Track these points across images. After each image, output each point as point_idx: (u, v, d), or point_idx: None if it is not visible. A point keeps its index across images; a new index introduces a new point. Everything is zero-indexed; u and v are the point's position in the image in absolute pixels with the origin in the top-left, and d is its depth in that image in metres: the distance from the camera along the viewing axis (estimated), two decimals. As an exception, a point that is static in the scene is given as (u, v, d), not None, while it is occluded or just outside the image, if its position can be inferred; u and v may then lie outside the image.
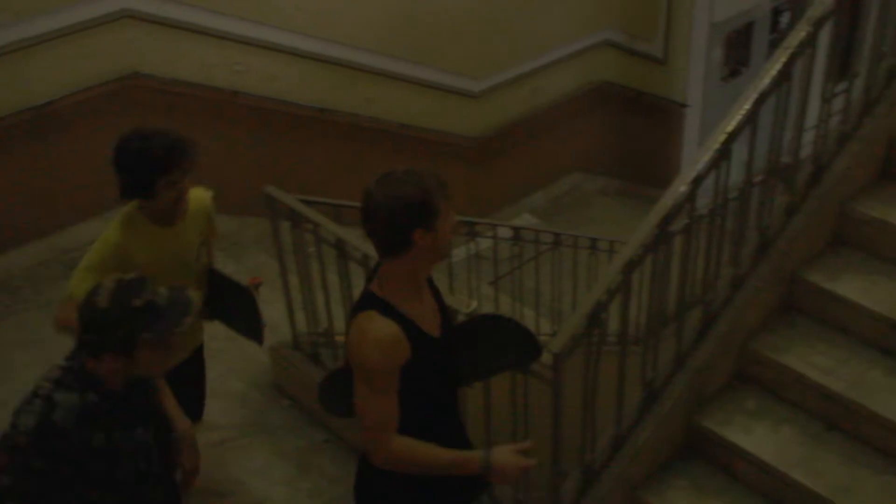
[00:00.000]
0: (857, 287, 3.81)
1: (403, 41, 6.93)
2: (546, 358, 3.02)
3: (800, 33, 3.53)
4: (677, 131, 8.47)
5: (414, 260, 2.49)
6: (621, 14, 8.29)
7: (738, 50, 8.89)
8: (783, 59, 3.49)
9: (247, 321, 3.63)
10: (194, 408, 3.67)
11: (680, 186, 3.35)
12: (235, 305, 3.56)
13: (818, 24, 3.54)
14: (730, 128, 3.41)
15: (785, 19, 9.15)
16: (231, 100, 6.15)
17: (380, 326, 2.46)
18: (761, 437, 3.67)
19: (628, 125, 8.65)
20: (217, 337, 3.94)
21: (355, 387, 2.55)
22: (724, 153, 3.41)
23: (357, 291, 2.91)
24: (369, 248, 3.24)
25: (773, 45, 8.27)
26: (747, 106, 3.43)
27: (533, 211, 8.35)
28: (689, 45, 8.30)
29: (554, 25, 7.86)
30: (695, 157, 3.44)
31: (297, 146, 6.56)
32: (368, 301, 2.54)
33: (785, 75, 3.51)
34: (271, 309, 4.19)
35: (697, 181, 3.36)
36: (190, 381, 3.64)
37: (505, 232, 5.87)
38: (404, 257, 2.47)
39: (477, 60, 7.50)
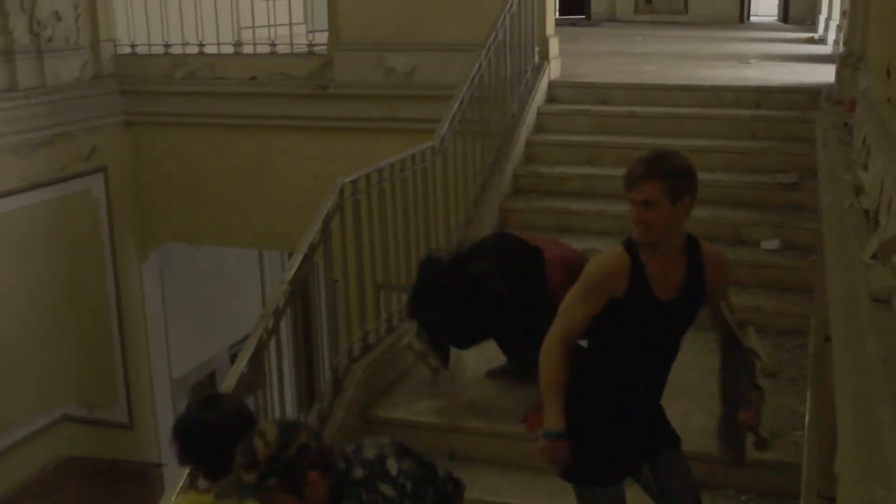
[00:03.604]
0: None
1: None
2: None
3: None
4: (158, 491, 8.24)
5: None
6: (77, 386, 8.09)
7: (204, 400, 9.12)
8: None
9: None
10: None
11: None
12: None
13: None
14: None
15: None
16: None
17: (613, 254, 2.93)
18: None
19: (106, 496, 8.24)
20: None
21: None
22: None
23: None
24: None
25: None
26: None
27: None
28: (154, 405, 8.35)
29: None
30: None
31: None
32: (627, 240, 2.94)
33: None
34: None
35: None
36: None
37: None
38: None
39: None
